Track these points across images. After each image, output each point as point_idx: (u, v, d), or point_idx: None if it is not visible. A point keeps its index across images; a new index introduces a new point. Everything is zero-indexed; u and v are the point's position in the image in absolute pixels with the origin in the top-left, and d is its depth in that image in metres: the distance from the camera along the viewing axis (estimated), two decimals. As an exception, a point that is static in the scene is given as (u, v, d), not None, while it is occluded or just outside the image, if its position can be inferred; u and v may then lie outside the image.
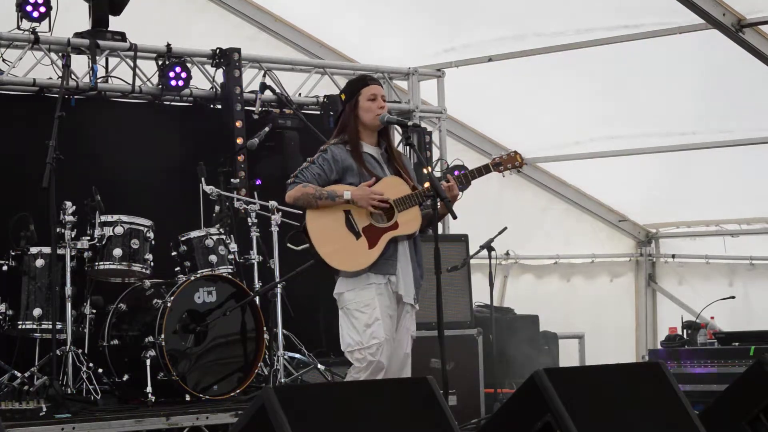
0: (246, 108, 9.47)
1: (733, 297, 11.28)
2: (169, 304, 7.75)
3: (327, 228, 6.03)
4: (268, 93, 9.58)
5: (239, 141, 9.25)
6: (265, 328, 8.08)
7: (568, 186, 12.58)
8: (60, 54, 8.81)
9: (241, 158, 9.14)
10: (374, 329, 5.95)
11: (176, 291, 7.81)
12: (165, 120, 9.45)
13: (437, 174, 10.50)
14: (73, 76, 8.75)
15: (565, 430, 4.66)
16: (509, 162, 6.45)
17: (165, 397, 7.70)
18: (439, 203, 6.05)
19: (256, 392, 7.72)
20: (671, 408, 5.21)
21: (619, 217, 13.00)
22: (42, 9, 8.51)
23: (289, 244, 8.03)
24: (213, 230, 8.29)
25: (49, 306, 7.63)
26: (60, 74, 8.42)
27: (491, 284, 9.09)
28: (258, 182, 9.16)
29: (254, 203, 8.45)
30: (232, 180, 8.77)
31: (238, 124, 9.37)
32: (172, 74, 9.12)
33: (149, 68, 9.25)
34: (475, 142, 11.95)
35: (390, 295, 6.05)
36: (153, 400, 7.55)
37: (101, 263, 7.94)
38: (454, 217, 6.21)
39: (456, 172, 6.39)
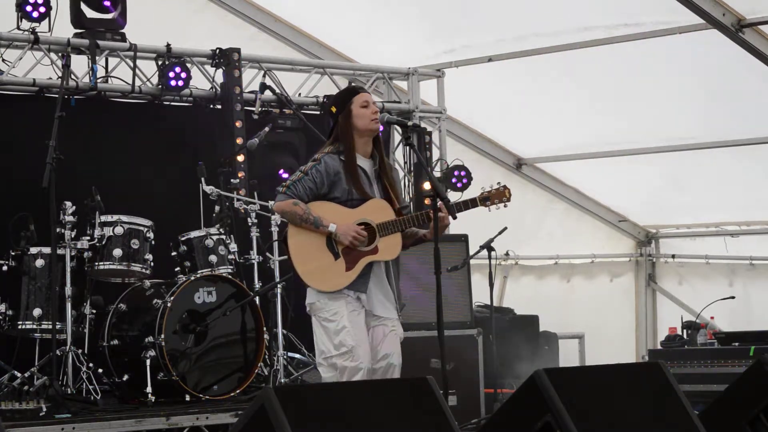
0: (246, 108, 9.47)
1: (733, 297, 11.27)
2: (169, 304, 7.75)
3: (307, 246, 6.04)
4: (267, 93, 9.59)
5: (239, 141, 9.26)
6: (265, 328, 8.09)
7: (568, 186, 12.58)
8: (60, 54, 8.81)
9: (241, 158, 9.14)
10: (342, 337, 5.97)
11: (176, 291, 7.81)
12: (165, 120, 9.45)
13: (437, 174, 10.51)
14: (73, 76, 8.76)
15: (565, 430, 4.66)
16: (497, 197, 6.40)
17: (165, 397, 7.70)
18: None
19: (256, 392, 7.73)
20: (671, 408, 5.21)
21: (619, 218, 13.00)
22: (42, 9, 8.51)
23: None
24: (213, 230, 8.29)
25: (49, 306, 7.63)
26: (60, 74, 8.42)
27: (491, 284, 9.09)
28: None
29: (254, 203, 8.45)
30: (232, 180, 8.77)
31: (238, 124, 9.37)
32: (171, 74, 9.12)
33: (149, 68, 9.25)
34: (475, 143, 11.95)
35: (359, 308, 6.05)
36: (153, 401, 7.56)
37: (101, 263, 7.94)
38: (454, 217, 6.21)
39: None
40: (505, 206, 6.46)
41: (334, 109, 6.21)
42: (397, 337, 6.21)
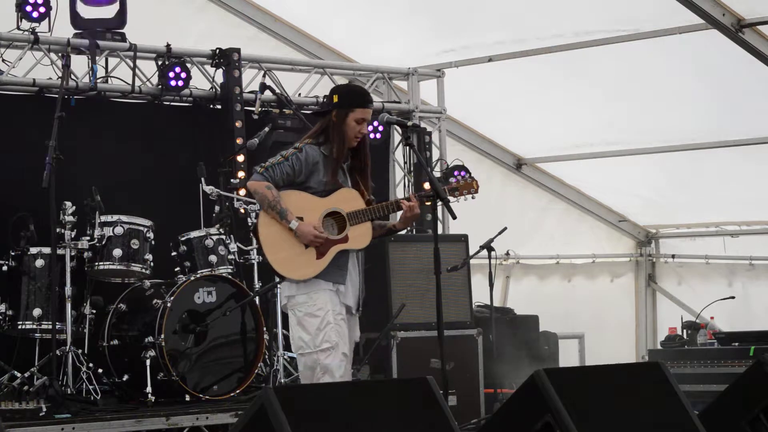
0: (246, 108, 9.47)
1: (733, 297, 11.29)
2: (169, 304, 7.75)
3: (278, 235, 6.05)
4: (267, 93, 9.58)
5: (239, 141, 9.26)
6: (264, 328, 8.09)
7: (568, 186, 12.58)
8: (60, 54, 8.81)
9: (241, 158, 9.14)
10: (327, 333, 5.97)
11: (176, 291, 7.81)
12: (165, 120, 9.45)
13: (437, 174, 10.50)
14: (72, 76, 8.75)
15: (565, 430, 4.66)
16: (465, 188, 6.41)
17: (165, 397, 7.70)
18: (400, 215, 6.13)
19: (256, 392, 7.73)
20: (671, 408, 5.22)
21: (619, 218, 13.00)
22: (42, 9, 8.50)
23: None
24: (213, 230, 8.29)
25: (49, 306, 7.63)
26: (60, 74, 8.41)
27: (491, 284, 9.09)
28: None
29: (254, 203, 8.45)
30: (232, 180, 8.78)
31: (238, 124, 9.37)
32: (171, 74, 9.12)
33: (149, 68, 9.25)
34: (475, 143, 11.95)
35: (338, 303, 6.07)
36: (153, 400, 7.56)
37: (101, 263, 7.94)
38: (454, 217, 6.22)
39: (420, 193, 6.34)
40: (473, 197, 6.44)
41: (336, 99, 6.20)
42: (353, 333, 6.20)
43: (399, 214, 6.26)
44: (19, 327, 7.79)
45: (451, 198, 6.27)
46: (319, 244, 6.01)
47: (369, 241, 6.15)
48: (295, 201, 6.06)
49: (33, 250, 7.83)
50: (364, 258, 6.29)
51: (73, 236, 7.80)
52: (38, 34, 8.61)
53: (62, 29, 8.80)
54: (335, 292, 6.04)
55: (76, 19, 8.92)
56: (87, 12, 8.99)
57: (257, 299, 8.17)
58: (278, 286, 8.21)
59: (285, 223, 6.01)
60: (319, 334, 5.96)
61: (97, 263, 7.93)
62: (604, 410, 4.97)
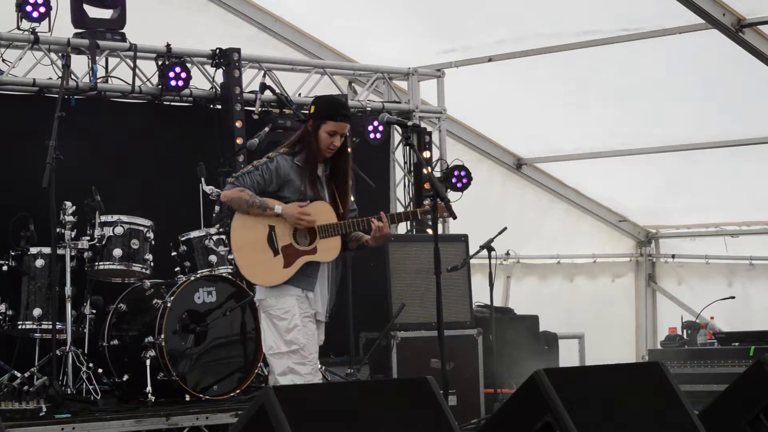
0: (246, 108, 9.47)
1: (733, 297, 11.29)
2: (169, 304, 7.75)
3: (248, 240, 6.13)
4: (267, 93, 9.58)
5: (239, 141, 9.26)
6: (265, 328, 8.08)
7: (568, 186, 12.58)
8: (60, 54, 8.81)
9: (241, 158, 9.14)
10: (294, 335, 6.06)
11: (176, 291, 7.81)
12: (165, 120, 9.45)
13: (437, 174, 10.51)
14: (73, 76, 8.75)
15: (565, 430, 4.66)
16: (441, 212, 6.29)
17: (165, 397, 7.70)
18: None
19: (256, 392, 7.72)
20: (671, 408, 5.22)
21: (619, 218, 13.01)
22: (42, 9, 8.50)
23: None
24: (213, 230, 8.29)
25: (49, 306, 7.63)
26: (60, 74, 8.41)
27: (491, 284, 9.09)
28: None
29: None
30: (232, 180, 8.77)
31: (238, 124, 9.37)
32: (171, 74, 9.11)
33: (149, 68, 9.24)
34: (475, 143, 11.96)
35: (308, 307, 6.13)
36: (153, 400, 7.55)
37: (101, 263, 7.94)
38: (454, 218, 6.22)
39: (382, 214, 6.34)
40: (452, 219, 6.32)
41: (312, 109, 6.24)
42: (320, 339, 6.28)
43: None
44: (19, 327, 7.79)
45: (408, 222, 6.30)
46: (307, 223, 6.06)
47: (337, 254, 6.20)
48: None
49: (33, 250, 7.83)
50: (342, 268, 6.37)
51: (73, 236, 7.80)
52: (38, 34, 8.60)
53: (62, 29, 8.80)
54: (304, 297, 6.13)
55: (83, 18, 8.91)
56: (91, 12, 8.98)
57: (257, 299, 8.16)
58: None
59: (269, 212, 6.07)
60: (287, 335, 6.06)
61: (97, 263, 7.93)
62: (604, 410, 4.97)
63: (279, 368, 6.07)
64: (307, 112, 6.30)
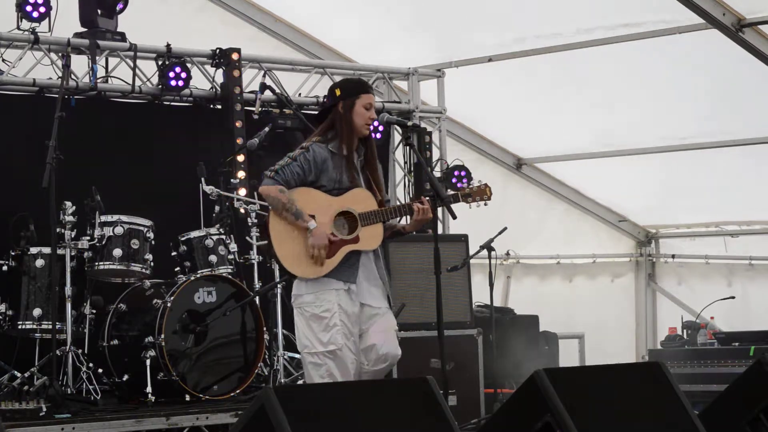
0: (246, 108, 9.47)
1: (733, 297, 11.29)
2: (169, 304, 7.75)
3: (288, 231, 5.97)
4: (267, 93, 9.59)
5: (239, 141, 9.26)
6: (265, 328, 8.09)
7: (568, 186, 12.58)
8: (60, 54, 8.81)
9: (241, 158, 9.14)
10: (332, 335, 5.88)
11: (176, 291, 7.81)
12: (165, 120, 9.45)
13: (437, 174, 10.51)
14: (73, 76, 8.75)
15: (565, 430, 4.66)
16: (478, 194, 6.30)
17: (165, 397, 7.70)
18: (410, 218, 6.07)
19: (256, 392, 7.73)
20: (671, 408, 5.22)
21: (619, 218, 13.00)
22: (42, 9, 8.50)
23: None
24: (213, 230, 8.29)
25: (49, 306, 7.63)
26: (60, 74, 8.41)
27: (491, 284, 9.08)
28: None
29: (254, 203, 8.45)
30: (232, 180, 8.78)
31: (238, 124, 9.37)
32: (172, 74, 9.12)
33: (149, 68, 9.25)
34: (475, 143, 11.96)
35: (350, 302, 5.96)
36: (153, 400, 7.55)
37: (101, 263, 7.94)
38: (454, 217, 6.22)
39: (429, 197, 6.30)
40: (485, 204, 6.35)
41: (338, 92, 6.17)
42: (387, 324, 6.08)
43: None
44: (19, 327, 7.80)
45: (465, 204, 6.25)
46: (318, 254, 5.91)
47: (380, 242, 6.07)
48: (307, 199, 5.99)
49: (33, 250, 7.83)
50: (381, 255, 6.19)
51: (73, 236, 7.80)
52: (38, 34, 8.61)
53: (62, 29, 8.80)
54: (346, 291, 5.95)
55: (92, 18, 8.90)
56: (101, 21, 8.98)
57: (257, 299, 8.16)
58: (279, 285, 8.22)
59: (301, 223, 5.93)
60: (325, 335, 5.89)
61: (97, 263, 7.93)
62: (604, 410, 4.97)
63: (315, 368, 5.88)
64: (325, 102, 6.22)
